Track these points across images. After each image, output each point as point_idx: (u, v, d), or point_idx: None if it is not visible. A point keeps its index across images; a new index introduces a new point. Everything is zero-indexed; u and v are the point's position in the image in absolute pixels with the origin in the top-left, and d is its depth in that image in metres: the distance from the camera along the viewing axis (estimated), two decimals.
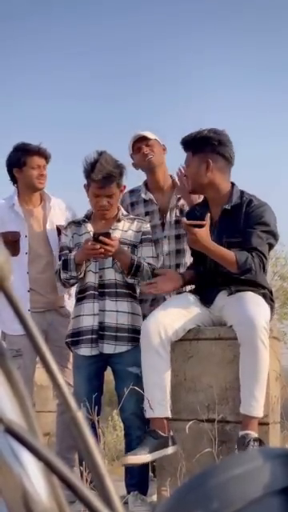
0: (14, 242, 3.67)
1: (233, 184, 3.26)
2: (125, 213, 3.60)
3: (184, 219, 3.14)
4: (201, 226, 3.01)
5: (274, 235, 3.18)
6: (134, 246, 3.51)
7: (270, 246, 3.20)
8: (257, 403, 2.87)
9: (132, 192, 3.88)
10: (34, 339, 0.51)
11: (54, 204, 3.88)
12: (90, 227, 3.52)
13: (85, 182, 3.50)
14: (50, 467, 0.47)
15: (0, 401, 0.50)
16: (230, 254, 3.03)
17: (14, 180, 3.83)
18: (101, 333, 3.39)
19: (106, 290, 3.43)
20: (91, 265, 3.46)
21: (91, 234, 3.40)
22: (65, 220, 3.84)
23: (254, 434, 2.85)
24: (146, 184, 3.87)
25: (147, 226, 3.57)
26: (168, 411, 3.04)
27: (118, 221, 3.52)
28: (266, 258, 3.13)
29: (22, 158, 3.75)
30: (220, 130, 3.23)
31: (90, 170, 3.39)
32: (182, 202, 3.78)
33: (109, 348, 3.38)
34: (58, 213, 3.87)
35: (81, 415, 0.51)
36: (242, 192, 3.23)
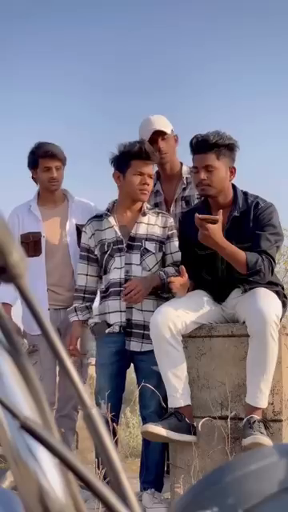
0: (35, 242, 3.68)
1: (234, 186, 3.20)
2: (148, 206, 3.53)
3: (197, 214, 3.04)
4: (213, 222, 2.98)
5: (282, 236, 3.18)
6: (161, 243, 3.45)
7: (277, 248, 3.19)
8: (262, 395, 2.93)
9: None
10: (49, 336, 0.51)
11: (77, 203, 3.85)
12: (112, 221, 3.46)
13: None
14: (65, 464, 0.48)
15: (16, 397, 0.50)
16: (240, 254, 3.02)
17: (35, 179, 3.83)
18: (128, 330, 3.35)
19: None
20: (115, 262, 3.40)
21: (115, 228, 3.42)
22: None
23: (258, 417, 2.91)
24: (158, 174, 3.79)
25: (172, 221, 3.50)
26: (189, 399, 3.07)
27: (144, 214, 3.45)
28: (274, 262, 3.12)
29: (34, 159, 3.73)
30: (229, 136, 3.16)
31: (138, 146, 3.35)
32: (187, 192, 3.71)
33: (136, 346, 3.34)
34: (80, 212, 3.81)
35: (96, 412, 0.51)
36: (245, 194, 3.19)
